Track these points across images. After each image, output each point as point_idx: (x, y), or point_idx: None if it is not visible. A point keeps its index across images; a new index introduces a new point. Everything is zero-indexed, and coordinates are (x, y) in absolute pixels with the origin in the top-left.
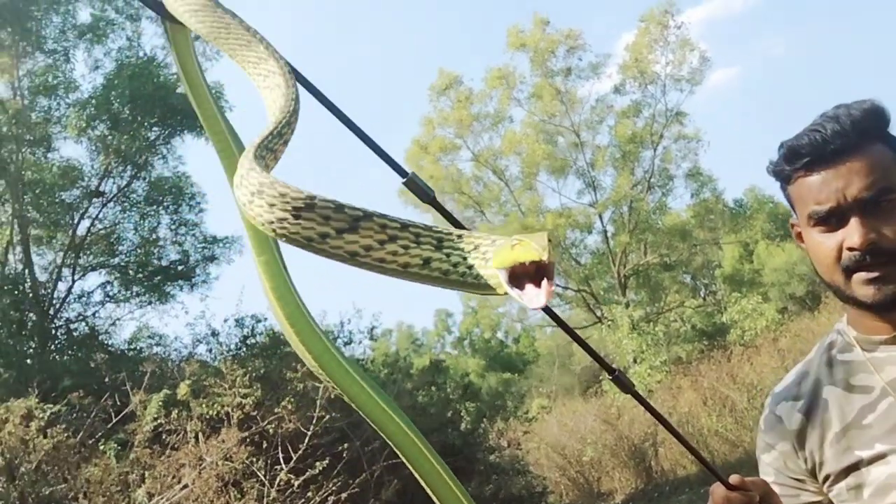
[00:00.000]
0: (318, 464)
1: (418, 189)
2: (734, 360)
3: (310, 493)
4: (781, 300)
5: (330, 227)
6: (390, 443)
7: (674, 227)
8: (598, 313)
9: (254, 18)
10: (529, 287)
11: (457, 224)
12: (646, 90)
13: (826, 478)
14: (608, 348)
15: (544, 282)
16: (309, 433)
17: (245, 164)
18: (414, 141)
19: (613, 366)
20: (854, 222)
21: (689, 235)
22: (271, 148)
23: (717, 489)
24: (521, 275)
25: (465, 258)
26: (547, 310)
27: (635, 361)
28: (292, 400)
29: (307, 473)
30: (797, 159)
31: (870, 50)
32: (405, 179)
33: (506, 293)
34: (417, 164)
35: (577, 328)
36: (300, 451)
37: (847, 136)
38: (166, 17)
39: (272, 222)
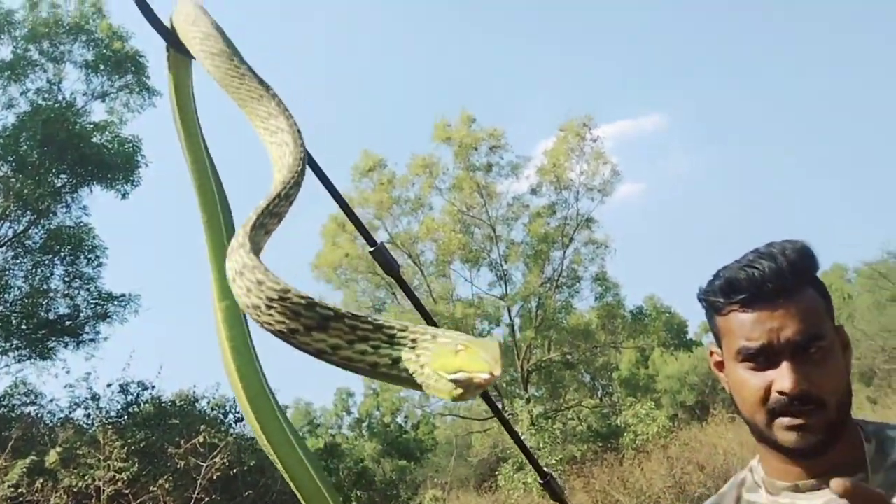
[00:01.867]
0: None
1: (384, 260)
2: (626, 464)
3: None
4: (672, 407)
5: (299, 324)
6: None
7: (577, 327)
8: (500, 405)
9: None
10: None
11: (416, 301)
12: (560, 194)
13: None
14: (506, 442)
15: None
16: None
17: (240, 235)
18: (332, 217)
19: (546, 470)
20: (786, 367)
21: (592, 336)
22: (275, 212)
23: None
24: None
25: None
26: (495, 410)
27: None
28: (171, 478)
29: None
30: (734, 293)
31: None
32: (373, 249)
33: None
34: (334, 240)
35: (477, 419)
36: None
37: (784, 278)
38: (172, 47)
39: (248, 306)
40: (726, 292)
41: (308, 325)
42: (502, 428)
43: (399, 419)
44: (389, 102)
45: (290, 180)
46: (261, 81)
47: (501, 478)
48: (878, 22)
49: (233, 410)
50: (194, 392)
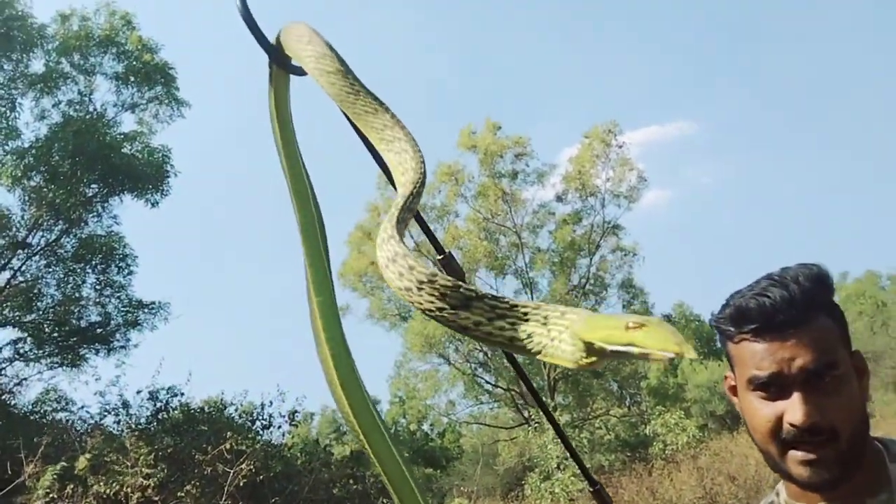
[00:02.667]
0: None
1: (452, 268)
2: (655, 475)
3: None
4: (702, 417)
5: (445, 303)
6: (396, 500)
7: None
8: (526, 414)
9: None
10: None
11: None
12: (586, 201)
13: None
14: (533, 451)
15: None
16: None
17: (388, 229)
18: (357, 226)
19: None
20: (797, 397)
21: None
22: (410, 208)
23: None
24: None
25: (561, 332)
26: (549, 417)
27: (559, 468)
28: (198, 484)
29: None
30: (745, 323)
31: (795, 187)
32: (441, 257)
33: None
34: (359, 248)
35: (504, 427)
36: None
37: (796, 307)
38: (276, 63)
39: (401, 289)
40: (737, 321)
41: (453, 304)
42: (529, 437)
43: (425, 427)
44: (414, 109)
45: (419, 181)
46: (374, 97)
47: (528, 487)
48: None
49: (259, 417)
50: (222, 399)
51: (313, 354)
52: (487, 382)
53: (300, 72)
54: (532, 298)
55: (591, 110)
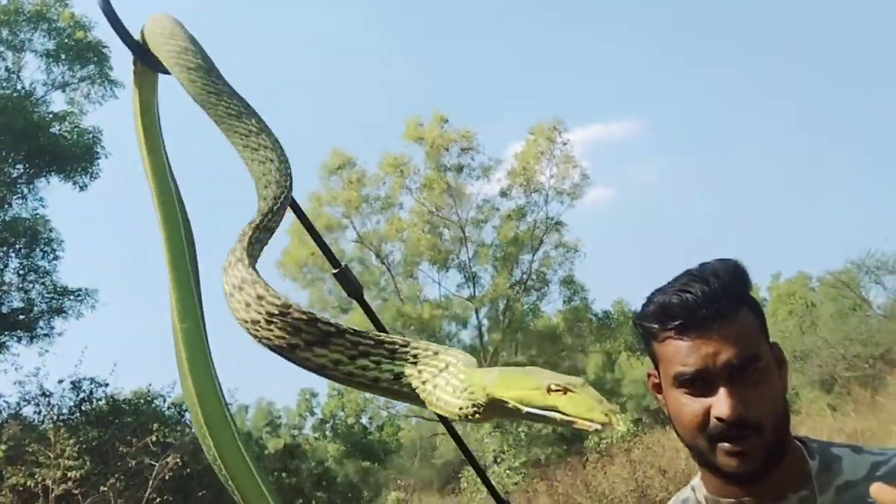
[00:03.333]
0: None
1: (348, 283)
2: (589, 468)
3: None
4: (637, 412)
5: (300, 339)
6: None
7: (545, 330)
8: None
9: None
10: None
11: (378, 322)
12: (530, 197)
13: None
14: (470, 445)
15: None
16: None
17: (237, 251)
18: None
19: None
20: (723, 392)
21: (559, 340)
22: (268, 227)
23: None
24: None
25: (434, 377)
26: (448, 428)
27: (495, 461)
28: (122, 477)
29: None
30: (668, 320)
31: (734, 188)
32: (336, 271)
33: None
34: (300, 238)
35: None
36: None
37: (717, 302)
38: (140, 60)
39: (246, 321)
40: (661, 318)
41: (309, 340)
42: (468, 430)
43: (364, 420)
44: (361, 101)
45: (281, 195)
46: (240, 99)
47: (464, 480)
48: (858, 42)
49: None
50: (150, 390)
51: (247, 346)
52: None
53: (167, 70)
54: (474, 293)
55: (537, 107)
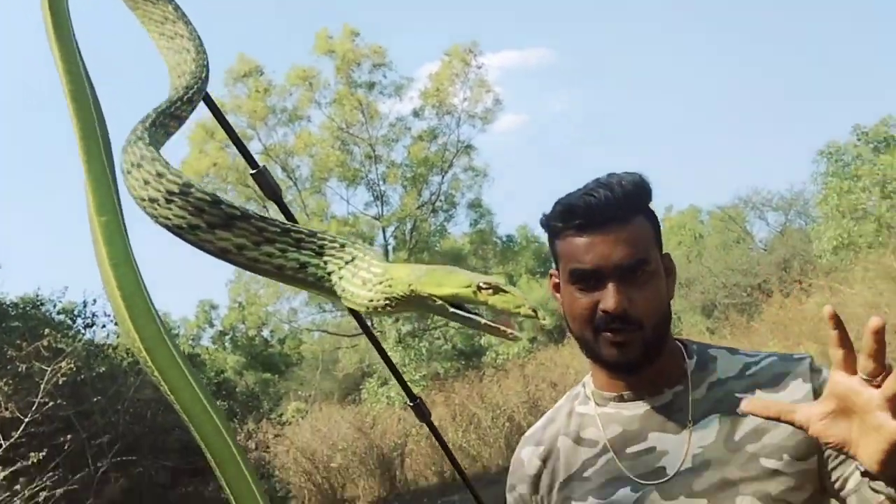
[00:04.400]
0: (32, 455)
1: (266, 183)
2: (485, 381)
3: (17, 487)
4: (532, 330)
5: (202, 220)
6: (202, 444)
7: (451, 252)
8: (368, 323)
9: None
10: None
11: (294, 220)
12: (442, 119)
13: None
14: (372, 358)
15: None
16: (26, 420)
17: (138, 130)
18: (199, 123)
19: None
20: (611, 287)
21: (464, 261)
22: (176, 115)
23: None
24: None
25: (340, 268)
26: (365, 329)
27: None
28: (11, 381)
29: (18, 465)
30: (571, 219)
31: (642, 120)
32: (254, 171)
33: (371, 309)
34: (201, 147)
35: (346, 335)
36: (11, 440)
37: (617, 206)
38: None
39: (143, 199)
40: (564, 217)
41: (211, 222)
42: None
43: (265, 333)
44: (269, 6)
45: (194, 85)
46: None
47: (365, 392)
48: None
49: (82, 315)
50: (38, 295)
51: (144, 252)
52: None
53: None
54: (382, 212)
55: (450, 29)
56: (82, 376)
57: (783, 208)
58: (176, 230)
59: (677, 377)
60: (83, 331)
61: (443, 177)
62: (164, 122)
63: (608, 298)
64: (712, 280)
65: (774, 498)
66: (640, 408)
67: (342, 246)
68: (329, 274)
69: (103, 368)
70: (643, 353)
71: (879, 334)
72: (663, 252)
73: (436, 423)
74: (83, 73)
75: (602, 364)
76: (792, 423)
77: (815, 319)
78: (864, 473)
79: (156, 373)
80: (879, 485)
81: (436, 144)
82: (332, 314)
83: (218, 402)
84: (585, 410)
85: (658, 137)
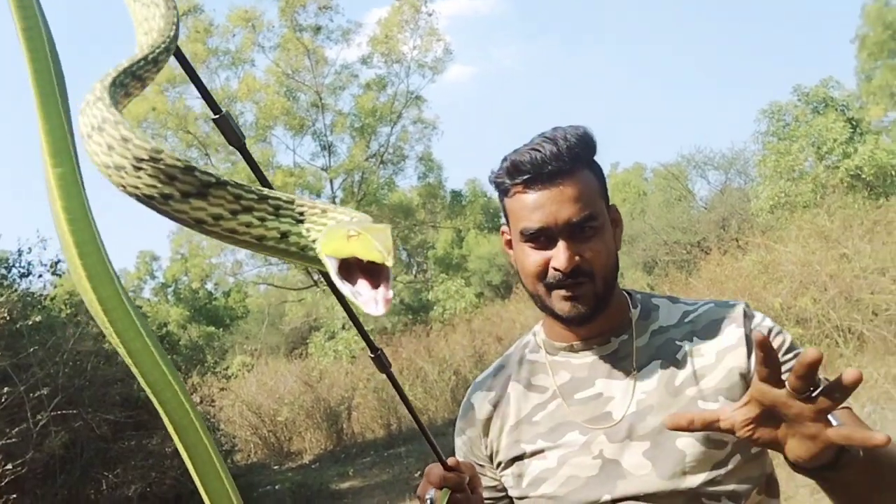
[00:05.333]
0: None
1: (229, 130)
2: (432, 336)
3: None
4: (480, 286)
5: (174, 189)
6: (159, 408)
7: (399, 205)
8: (315, 277)
9: None
10: (364, 287)
11: (261, 174)
12: (391, 68)
13: (499, 464)
14: (319, 312)
15: (382, 287)
16: None
17: (97, 89)
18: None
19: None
20: (561, 245)
21: (412, 214)
22: (139, 75)
23: (434, 469)
24: (352, 266)
25: (321, 233)
26: (336, 293)
27: (343, 327)
28: None
29: None
30: (517, 175)
31: (592, 75)
32: (217, 117)
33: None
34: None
35: (293, 289)
36: None
37: (562, 160)
38: None
39: (108, 167)
40: (511, 173)
41: (185, 190)
42: (316, 298)
43: (209, 286)
44: None
45: (161, 45)
46: None
47: (312, 345)
48: None
49: (17, 265)
50: None
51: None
52: None
53: None
54: (329, 163)
55: None
56: (18, 326)
57: (724, 167)
58: (146, 200)
59: (623, 326)
60: (19, 280)
61: (392, 128)
62: (126, 81)
63: (559, 256)
64: (654, 237)
65: (710, 437)
66: (588, 356)
67: (323, 211)
68: (312, 242)
69: (39, 318)
70: (594, 305)
71: (814, 367)
72: (610, 204)
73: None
74: (37, 6)
75: (554, 317)
76: (718, 430)
77: (750, 277)
78: (792, 465)
79: (113, 335)
80: (801, 470)
81: (385, 94)
82: (277, 267)
83: None
84: (536, 358)
85: (607, 94)
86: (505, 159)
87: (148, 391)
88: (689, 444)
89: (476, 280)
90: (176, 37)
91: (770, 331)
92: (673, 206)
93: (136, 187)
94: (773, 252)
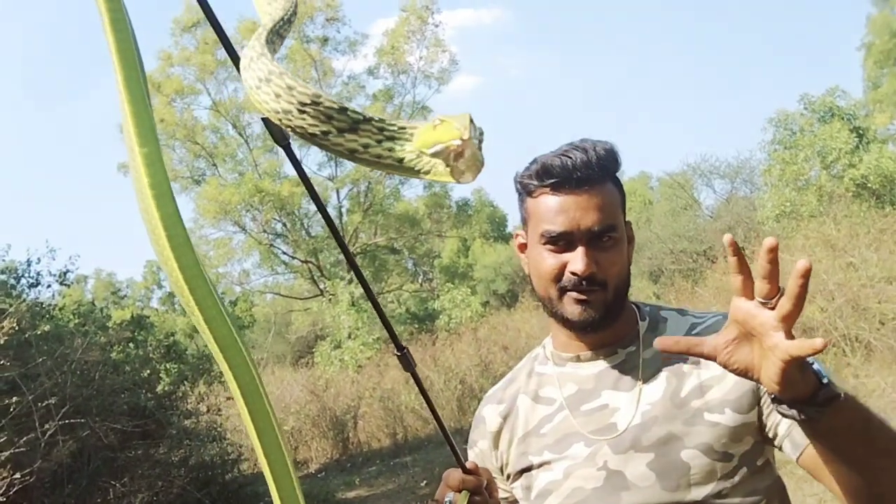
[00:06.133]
0: None
1: (277, 129)
2: (438, 345)
3: None
4: (486, 295)
5: (332, 126)
6: (236, 391)
7: (405, 214)
8: (321, 286)
9: None
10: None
11: (301, 172)
12: (398, 78)
13: (508, 476)
14: (325, 321)
15: (467, 153)
16: None
17: (256, 47)
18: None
19: (402, 344)
20: (580, 250)
21: (418, 224)
22: (280, 33)
23: (453, 472)
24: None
25: None
26: (362, 279)
27: (349, 337)
28: None
29: None
30: (546, 177)
31: (597, 86)
32: (265, 116)
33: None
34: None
35: (298, 298)
36: None
37: (591, 169)
38: None
39: (277, 112)
40: (540, 176)
41: (340, 127)
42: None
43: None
44: None
45: (290, 7)
46: None
47: (318, 355)
48: None
49: (26, 275)
50: None
51: (88, 210)
52: (284, 254)
53: None
54: (336, 173)
55: None
56: (26, 336)
57: (730, 176)
58: (311, 137)
59: (630, 338)
60: (27, 291)
61: None
62: (273, 39)
63: (578, 261)
64: (660, 246)
65: (716, 450)
66: (595, 367)
67: (434, 127)
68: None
69: (48, 328)
70: (604, 313)
71: (773, 253)
72: (626, 220)
73: (389, 387)
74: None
75: (564, 322)
76: (701, 355)
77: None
78: (774, 399)
79: (191, 302)
80: (783, 407)
81: (391, 105)
82: (284, 276)
83: (168, 365)
84: (544, 370)
85: (612, 102)
86: (534, 161)
87: (220, 359)
88: (694, 456)
89: (482, 289)
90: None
91: None
92: (679, 214)
93: (303, 128)
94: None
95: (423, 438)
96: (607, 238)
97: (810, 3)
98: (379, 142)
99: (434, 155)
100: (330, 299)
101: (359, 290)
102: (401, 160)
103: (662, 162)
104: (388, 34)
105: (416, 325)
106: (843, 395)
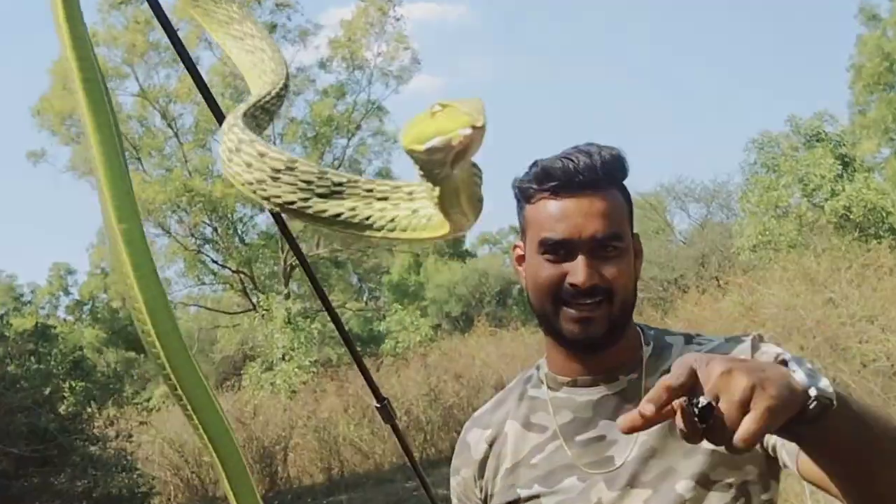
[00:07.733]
0: None
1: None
2: (383, 371)
3: None
4: (437, 317)
5: (311, 192)
6: (198, 429)
7: None
8: (254, 300)
9: None
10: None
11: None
12: (352, 74)
13: None
14: (256, 339)
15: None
16: None
17: (231, 119)
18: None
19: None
20: (581, 260)
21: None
22: (266, 108)
23: None
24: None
25: (426, 206)
26: (335, 319)
27: (283, 358)
28: None
29: None
30: (547, 181)
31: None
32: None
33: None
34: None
35: (226, 312)
36: None
37: (595, 173)
38: None
39: (250, 183)
40: (540, 179)
41: (322, 193)
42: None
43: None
44: None
45: (280, 82)
46: None
47: (247, 377)
48: None
49: None
50: None
51: None
52: (213, 262)
53: None
54: None
55: None
56: None
57: (705, 200)
58: (288, 207)
59: (633, 364)
60: None
61: (349, 140)
62: (256, 114)
63: (577, 272)
64: None
65: (711, 479)
66: (593, 394)
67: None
68: (416, 212)
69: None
70: (607, 330)
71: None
72: (634, 232)
73: (325, 415)
74: (94, 60)
75: (561, 341)
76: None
77: (731, 319)
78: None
79: (178, 389)
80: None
81: (343, 102)
82: (211, 287)
83: (73, 383)
84: (537, 394)
85: (583, 115)
86: (535, 164)
87: (197, 427)
88: (689, 488)
89: (433, 310)
90: (289, 76)
91: (776, 357)
92: (650, 238)
93: (278, 196)
94: (755, 293)
95: (361, 475)
96: (611, 248)
97: (798, 25)
98: (368, 204)
99: (429, 152)
100: (263, 315)
101: (297, 307)
102: (393, 219)
103: (635, 180)
104: (344, 25)
105: (360, 348)
106: (833, 403)
